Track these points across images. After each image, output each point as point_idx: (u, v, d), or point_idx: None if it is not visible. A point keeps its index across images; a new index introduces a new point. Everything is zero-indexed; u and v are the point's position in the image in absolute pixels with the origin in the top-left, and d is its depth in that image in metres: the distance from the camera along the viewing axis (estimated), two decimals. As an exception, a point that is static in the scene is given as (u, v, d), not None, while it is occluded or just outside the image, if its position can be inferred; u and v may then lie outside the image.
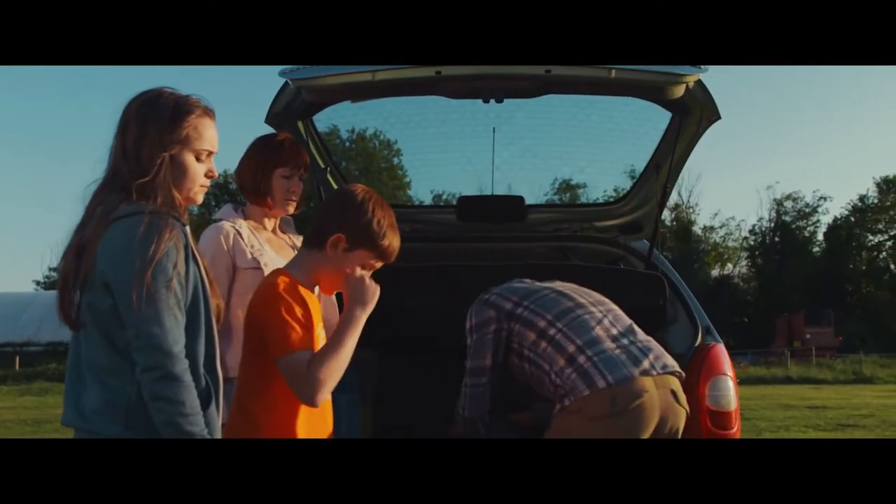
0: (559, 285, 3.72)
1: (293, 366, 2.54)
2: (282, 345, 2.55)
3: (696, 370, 3.79)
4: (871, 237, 62.76)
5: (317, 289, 2.86)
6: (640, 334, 3.53)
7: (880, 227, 62.17)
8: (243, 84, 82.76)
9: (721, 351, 3.91)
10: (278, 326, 2.57)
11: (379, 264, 2.81)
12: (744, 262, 65.99)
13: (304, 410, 2.68)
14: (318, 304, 2.85)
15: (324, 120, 4.77)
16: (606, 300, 3.68)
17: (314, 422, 2.75)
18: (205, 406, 2.32)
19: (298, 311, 2.60)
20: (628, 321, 3.59)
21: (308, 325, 2.62)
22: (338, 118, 4.89)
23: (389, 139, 7.61)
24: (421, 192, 6.36)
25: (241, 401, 2.71)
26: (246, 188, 3.48)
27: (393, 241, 2.78)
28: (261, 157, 3.47)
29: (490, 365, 3.58)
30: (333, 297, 3.45)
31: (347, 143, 6.80)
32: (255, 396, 2.68)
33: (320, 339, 2.77)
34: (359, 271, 2.74)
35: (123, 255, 2.25)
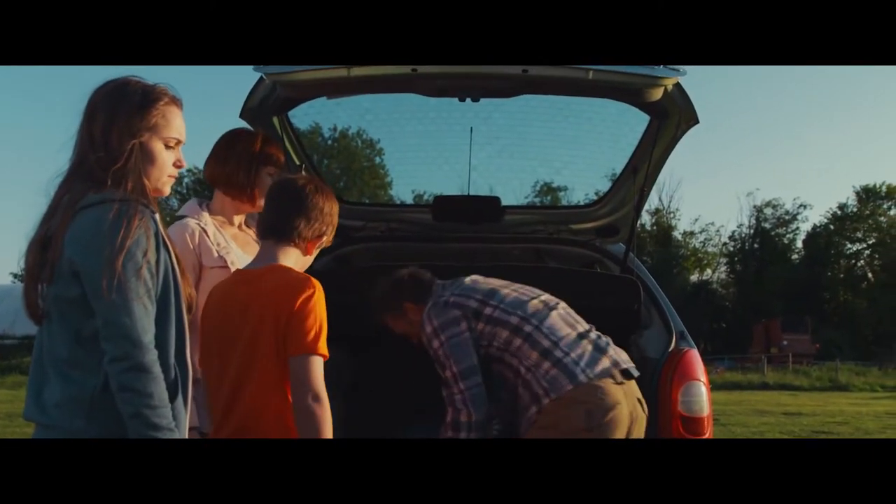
0: (505, 283, 3.77)
1: (312, 366, 2.60)
2: (312, 343, 2.61)
3: (669, 375, 3.78)
4: (849, 245, 63.12)
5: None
6: (596, 331, 3.61)
7: (859, 235, 62.53)
8: (210, 82, 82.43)
9: (694, 356, 3.90)
10: (316, 324, 2.64)
11: None
12: (723, 268, 66.30)
13: None
14: None
15: (305, 117, 4.74)
16: (557, 298, 3.74)
17: None
18: (172, 398, 2.29)
19: (325, 314, 2.70)
20: (581, 319, 3.67)
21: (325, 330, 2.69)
22: (319, 116, 4.86)
23: (372, 138, 7.55)
24: (402, 191, 6.34)
25: (274, 404, 2.70)
26: (232, 183, 3.41)
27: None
28: (250, 154, 3.42)
29: (478, 363, 3.55)
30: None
31: (329, 142, 6.73)
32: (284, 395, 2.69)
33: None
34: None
35: (92, 243, 2.23)
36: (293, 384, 2.60)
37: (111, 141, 2.36)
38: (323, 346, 2.62)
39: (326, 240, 2.93)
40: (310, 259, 2.92)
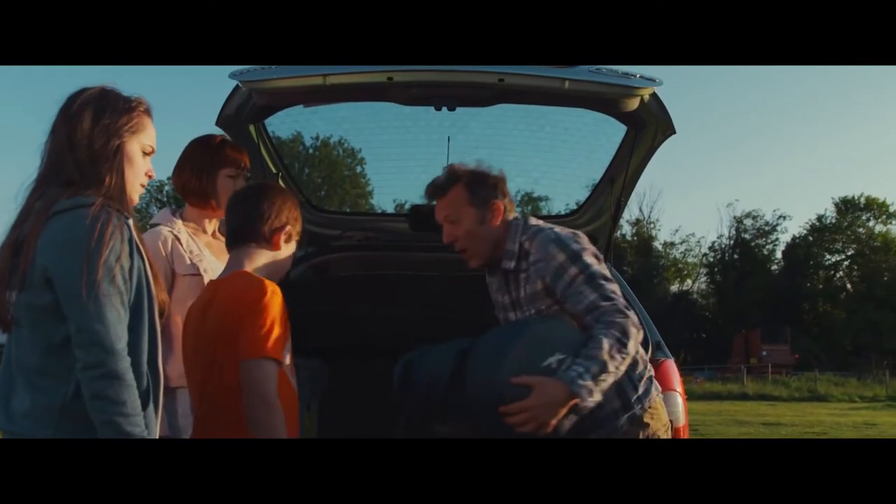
0: None
1: (259, 370, 2.55)
2: (259, 347, 2.56)
3: (645, 385, 3.75)
4: (828, 257, 63.51)
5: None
6: None
7: (838, 247, 62.92)
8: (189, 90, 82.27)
9: (671, 367, 3.90)
10: (265, 327, 2.59)
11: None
12: (703, 279, 66.60)
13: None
14: None
15: (284, 126, 4.72)
16: None
17: (294, 424, 2.76)
18: (144, 406, 2.27)
19: (283, 317, 2.67)
20: None
21: (282, 333, 2.65)
22: (299, 125, 4.84)
23: (353, 147, 7.54)
24: (383, 200, 6.32)
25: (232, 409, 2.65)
26: (189, 191, 3.40)
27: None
28: (204, 158, 3.40)
29: None
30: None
31: (311, 150, 6.71)
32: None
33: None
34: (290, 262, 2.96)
35: (66, 248, 2.22)
36: (242, 389, 2.56)
37: (95, 141, 2.37)
38: (273, 349, 2.58)
39: (292, 230, 2.91)
40: (283, 254, 2.91)
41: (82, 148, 2.36)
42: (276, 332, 2.60)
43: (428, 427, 3.23)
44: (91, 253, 2.19)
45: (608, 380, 2.88)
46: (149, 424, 2.29)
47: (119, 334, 2.22)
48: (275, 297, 2.65)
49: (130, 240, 2.32)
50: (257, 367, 2.55)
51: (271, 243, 2.85)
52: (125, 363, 2.21)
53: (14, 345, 2.32)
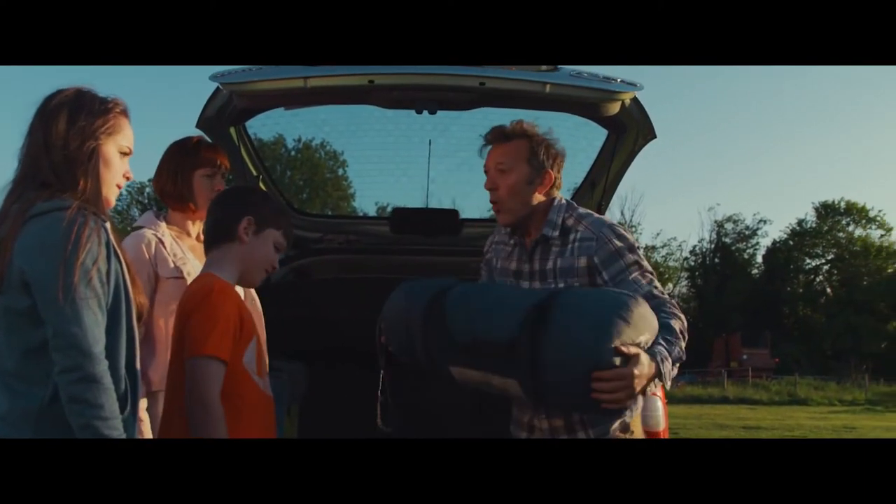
0: None
1: (199, 370, 2.52)
2: (199, 346, 2.53)
3: (626, 389, 3.76)
4: (808, 261, 63.95)
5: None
6: None
7: (818, 251, 63.37)
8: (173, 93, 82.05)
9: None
10: (207, 324, 2.55)
11: (285, 244, 2.90)
12: (684, 283, 66.86)
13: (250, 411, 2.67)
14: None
15: (264, 128, 4.71)
16: None
17: (263, 427, 2.73)
18: (122, 409, 2.26)
19: (231, 315, 2.61)
20: None
21: (234, 336, 2.60)
22: (281, 127, 4.83)
23: (335, 150, 7.54)
24: (365, 203, 6.33)
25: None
26: (167, 194, 3.38)
27: (288, 219, 2.93)
28: (178, 160, 3.38)
29: None
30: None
31: (293, 153, 6.71)
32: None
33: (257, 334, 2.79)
34: (273, 253, 2.85)
35: (43, 252, 2.20)
36: (185, 387, 2.53)
37: (70, 143, 2.35)
38: (214, 347, 2.53)
39: (253, 219, 2.80)
40: (255, 248, 2.81)
41: (58, 150, 2.34)
42: (221, 330, 2.56)
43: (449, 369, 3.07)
44: (68, 256, 2.18)
45: (677, 365, 2.89)
46: (127, 428, 2.27)
47: (96, 337, 2.20)
48: (222, 296, 2.61)
49: (108, 243, 2.31)
50: (197, 365, 2.51)
51: (235, 238, 2.79)
52: (103, 366, 2.20)
53: None
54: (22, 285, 2.21)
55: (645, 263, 3.14)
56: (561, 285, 3.13)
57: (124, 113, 2.50)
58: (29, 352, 2.23)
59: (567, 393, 2.70)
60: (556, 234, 3.20)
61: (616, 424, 3.14)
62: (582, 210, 3.28)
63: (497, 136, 3.25)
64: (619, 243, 3.11)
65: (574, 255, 3.15)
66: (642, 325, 2.71)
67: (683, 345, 2.93)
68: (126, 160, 2.51)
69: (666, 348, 2.83)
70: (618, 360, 2.62)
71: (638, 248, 3.15)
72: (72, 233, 2.20)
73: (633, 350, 2.65)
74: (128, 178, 2.53)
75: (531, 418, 3.23)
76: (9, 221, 2.27)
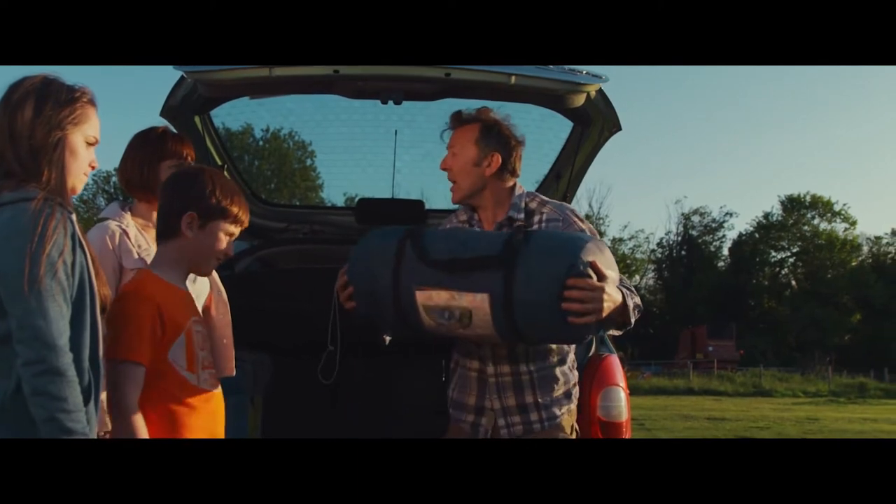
0: None
1: (114, 373, 2.49)
2: (110, 349, 2.48)
3: (589, 380, 3.78)
4: (774, 254, 64.50)
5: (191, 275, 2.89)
6: None
7: (783, 244, 63.93)
8: (133, 82, 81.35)
9: (614, 362, 3.92)
10: (122, 327, 2.53)
11: (237, 231, 2.83)
12: (651, 275, 67.33)
13: (188, 408, 2.65)
14: (190, 298, 2.83)
15: (234, 118, 4.68)
16: None
17: (202, 420, 2.69)
18: (86, 402, 2.24)
19: (146, 315, 2.57)
20: None
21: (153, 336, 2.57)
22: (247, 116, 4.81)
23: (303, 140, 7.50)
24: (333, 194, 6.29)
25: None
26: (132, 185, 3.35)
27: (240, 204, 2.81)
28: (144, 151, 3.34)
29: None
30: (214, 274, 3.38)
31: (260, 143, 6.68)
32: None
33: (196, 331, 2.74)
34: (222, 243, 2.78)
35: (7, 242, 2.18)
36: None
37: (36, 133, 2.32)
38: (126, 351, 2.52)
39: (197, 215, 2.72)
40: (201, 241, 2.74)
41: (24, 140, 2.32)
42: (132, 333, 2.53)
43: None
44: (34, 248, 2.16)
45: (632, 320, 3.06)
46: (90, 421, 2.25)
47: (61, 330, 2.18)
48: (136, 297, 2.59)
49: (73, 234, 2.29)
50: (112, 369, 2.49)
51: (179, 234, 2.72)
52: (67, 359, 2.18)
53: None
54: None
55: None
56: None
57: (91, 102, 2.47)
58: None
59: (536, 302, 2.78)
60: (522, 216, 3.28)
61: (563, 409, 3.24)
62: (542, 196, 3.39)
63: (453, 121, 3.37)
64: (583, 225, 3.25)
65: None
66: (610, 261, 2.89)
67: (639, 301, 3.10)
68: (92, 149, 2.48)
69: (629, 292, 3.00)
70: (593, 275, 2.77)
71: (596, 234, 3.24)
72: (38, 224, 2.18)
73: (606, 272, 2.81)
74: (93, 167, 2.51)
75: (480, 399, 3.29)
76: None
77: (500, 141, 3.28)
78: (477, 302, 2.85)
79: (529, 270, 2.78)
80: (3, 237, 2.19)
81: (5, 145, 2.33)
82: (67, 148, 2.38)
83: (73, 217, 2.33)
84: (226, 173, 4.68)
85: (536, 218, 3.28)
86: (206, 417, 2.72)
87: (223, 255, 2.81)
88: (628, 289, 3.02)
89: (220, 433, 2.79)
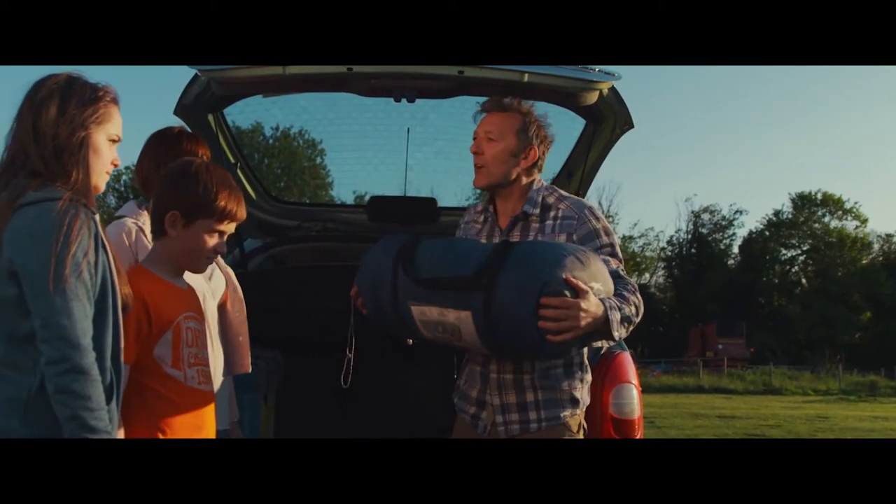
0: None
1: None
2: None
3: (601, 378, 3.78)
4: (784, 252, 64.31)
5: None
6: None
7: (794, 241, 63.76)
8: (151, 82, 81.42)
9: (626, 359, 3.91)
10: None
11: (229, 227, 2.77)
12: (661, 273, 67.21)
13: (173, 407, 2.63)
14: (186, 293, 2.80)
15: (245, 116, 4.69)
16: None
17: (187, 417, 2.68)
18: (108, 400, 2.25)
19: (133, 314, 2.53)
20: None
21: (137, 334, 2.56)
22: (259, 114, 4.82)
23: (314, 138, 7.52)
24: (343, 192, 6.31)
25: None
26: (148, 185, 3.35)
27: (229, 198, 2.74)
28: (160, 151, 3.35)
29: None
30: (230, 271, 3.38)
31: (270, 141, 6.70)
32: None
33: (186, 328, 2.72)
34: (210, 242, 2.72)
35: (33, 242, 2.18)
36: None
37: (60, 132, 2.33)
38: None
39: (180, 214, 2.68)
40: (186, 241, 2.70)
41: (48, 139, 2.33)
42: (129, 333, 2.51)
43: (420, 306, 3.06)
44: (59, 248, 2.17)
45: (622, 333, 2.95)
46: (112, 419, 2.27)
47: (85, 329, 2.20)
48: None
49: (97, 235, 2.30)
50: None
51: (163, 232, 2.71)
52: (90, 358, 2.19)
53: None
54: (9, 274, 2.20)
55: (618, 249, 3.24)
56: None
57: (114, 101, 2.47)
58: (15, 340, 2.22)
59: (514, 319, 2.77)
60: (537, 211, 3.27)
61: (567, 411, 3.20)
62: (562, 192, 3.36)
63: (493, 105, 3.31)
64: (598, 224, 3.20)
65: (554, 231, 3.23)
66: (596, 272, 2.83)
67: (635, 312, 3.00)
68: (114, 147, 2.49)
69: (617, 303, 2.91)
70: (567, 292, 2.72)
71: (613, 233, 3.24)
72: (63, 224, 2.19)
73: (583, 287, 2.76)
74: (115, 165, 2.51)
75: (481, 393, 3.28)
76: None
77: (539, 136, 3.28)
78: (462, 318, 2.87)
79: (505, 289, 2.76)
80: (28, 236, 2.20)
81: (29, 144, 2.33)
82: (91, 147, 2.39)
83: (97, 217, 2.34)
84: (239, 172, 4.69)
85: (552, 213, 3.27)
86: (191, 415, 2.70)
87: (213, 254, 2.77)
88: (621, 298, 2.97)
89: (207, 431, 2.76)
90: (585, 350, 3.31)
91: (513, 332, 2.81)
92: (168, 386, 2.63)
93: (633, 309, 2.98)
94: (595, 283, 2.81)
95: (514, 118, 3.26)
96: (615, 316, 2.86)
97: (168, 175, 2.78)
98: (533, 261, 2.80)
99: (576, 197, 3.36)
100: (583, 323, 2.73)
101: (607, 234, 3.20)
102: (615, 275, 3.06)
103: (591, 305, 2.77)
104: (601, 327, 2.84)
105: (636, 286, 3.14)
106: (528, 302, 2.73)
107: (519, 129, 3.25)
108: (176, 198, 2.69)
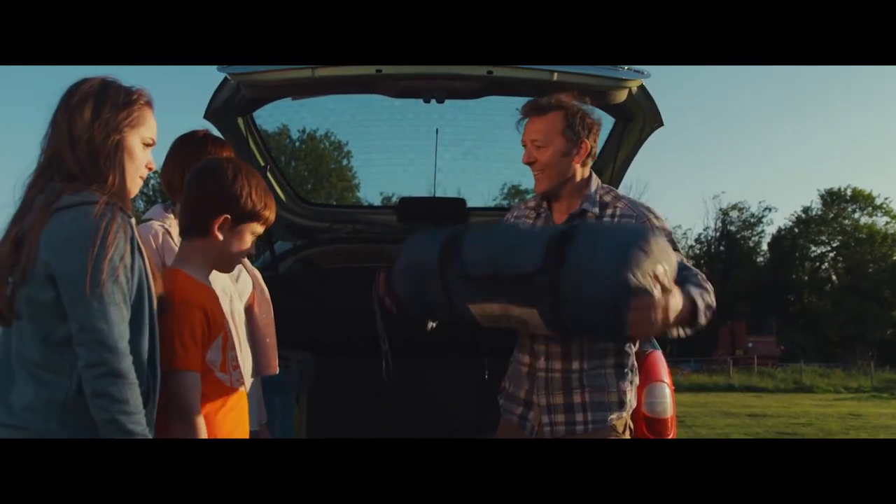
0: None
1: (174, 382, 2.46)
2: (169, 357, 2.46)
3: (633, 376, 3.77)
4: (814, 248, 63.75)
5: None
6: None
7: (823, 238, 63.18)
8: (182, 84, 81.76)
9: (658, 358, 3.90)
10: (171, 335, 2.48)
11: (262, 231, 2.76)
12: (689, 271, 66.62)
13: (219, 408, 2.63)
14: (216, 296, 2.75)
15: (273, 119, 4.72)
16: None
17: (233, 420, 2.69)
18: (144, 404, 2.26)
19: (195, 320, 2.53)
20: None
21: (201, 339, 2.54)
22: (286, 117, 4.84)
23: (340, 140, 7.53)
24: (370, 193, 6.32)
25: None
26: (174, 188, 3.37)
27: (271, 205, 2.72)
28: (185, 155, 3.36)
29: None
30: (256, 272, 3.40)
31: (297, 143, 6.73)
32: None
33: (225, 328, 2.68)
34: (250, 245, 2.71)
35: (70, 246, 2.20)
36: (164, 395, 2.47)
37: (95, 136, 2.35)
38: (183, 360, 2.48)
39: (230, 218, 2.62)
40: (230, 243, 2.65)
41: (82, 143, 2.34)
42: (187, 341, 2.49)
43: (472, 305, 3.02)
44: (96, 252, 2.18)
45: (703, 321, 2.89)
46: (148, 422, 2.28)
47: (122, 333, 2.21)
48: (184, 302, 2.53)
49: (133, 238, 2.31)
50: (171, 379, 2.46)
51: (208, 234, 2.62)
52: (128, 362, 2.20)
53: (14, 338, 2.28)
54: (46, 278, 2.21)
55: (678, 248, 3.15)
56: None
57: (148, 104, 2.49)
58: (52, 343, 2.23)
59: (588, 321, 2.73)
60: (596, 209, 3.23)
61: (615, 414, 3.18)
62: (616, 190, 3.34)
63: (532, 110, 3.26)
64: (656, 223, 3.17)
65: None
66: (660, 255, 2.72)
67: (713, 299, 2.95)
68: (149, 151, 2.50)
69: (699, 292, 2.87)
70: (640, 285, 2.61)
71: (671, 232, 3.21)
72: (100, 228, 2.20)
73: (662, 278, 2.67)
74: (150, 169, 2.53)
75: (528, 393, 3.26)
76: (34, 213, 2.26)
77: (585, 126, 3.22)
78: (528, 314, 2.82)
79: (573, 289, 2.69)
80: (64, 240, 2.21)
81: (65, 148, 2.35)
82: (125, 150, 2.40)
83: (133, 221, 2.35)
84: (269, 174, 4.72)
85: (609, 211, 3.22)
86: (236, 416, 2.71)
87: (246, 255, 2.77)
88: (698, 286, 2.91)
89: (243, 432, 2.76)
90: (634, 350, 3.28)
91: (584, 326, 2.78)
92: (218, 390, 2.62)
93: (710, 294, 2.95)
94: (661, 266, 2.72)
95: (555, 119, 3.20)
96: (702, 303, 2.84)
97: (215, 174, 2.67)
98: (598, 262, 2.69)
99: (630, 197, 3.31)
100: (670, 316, 2.67)
101: (667, 233, 3.14)
102: (682, 266, 2.99)
103: (675, 301, 2.70)
104: (686, 316, 2.80)
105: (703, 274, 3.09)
106: (600, 309, 2.67)
107: (564, 129, 3.19)
108: (229, 201, 2.61)
